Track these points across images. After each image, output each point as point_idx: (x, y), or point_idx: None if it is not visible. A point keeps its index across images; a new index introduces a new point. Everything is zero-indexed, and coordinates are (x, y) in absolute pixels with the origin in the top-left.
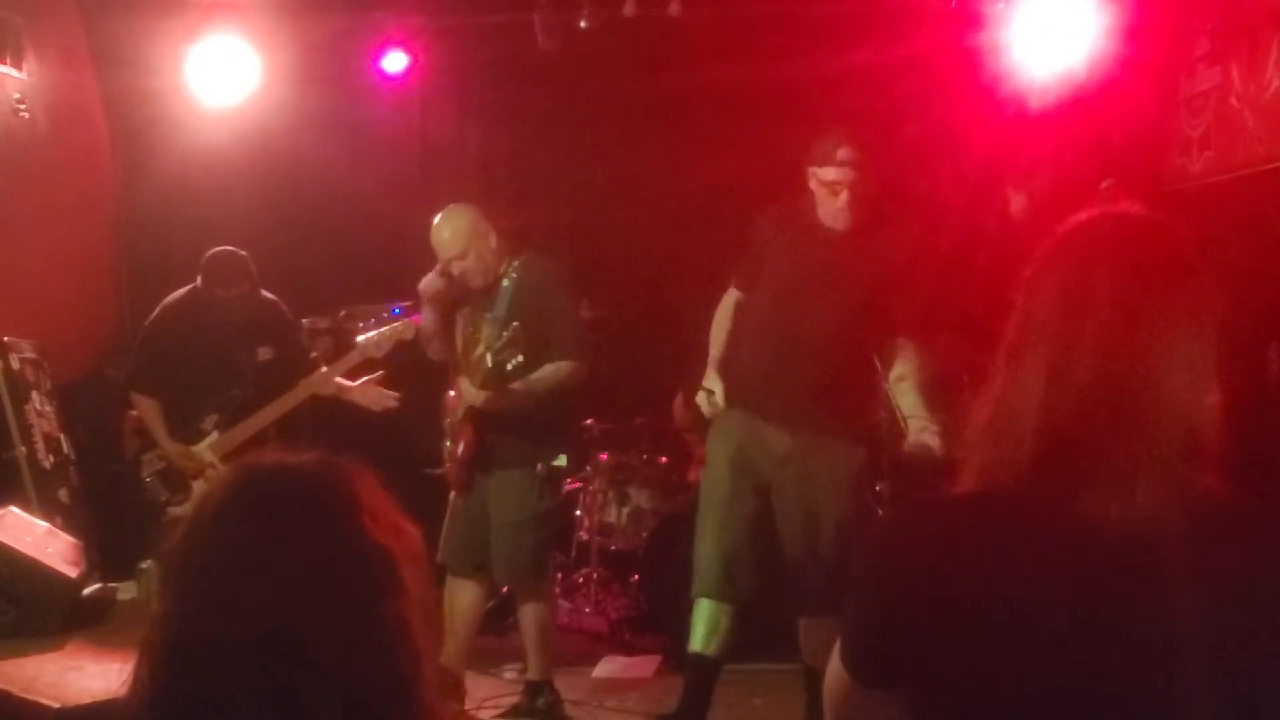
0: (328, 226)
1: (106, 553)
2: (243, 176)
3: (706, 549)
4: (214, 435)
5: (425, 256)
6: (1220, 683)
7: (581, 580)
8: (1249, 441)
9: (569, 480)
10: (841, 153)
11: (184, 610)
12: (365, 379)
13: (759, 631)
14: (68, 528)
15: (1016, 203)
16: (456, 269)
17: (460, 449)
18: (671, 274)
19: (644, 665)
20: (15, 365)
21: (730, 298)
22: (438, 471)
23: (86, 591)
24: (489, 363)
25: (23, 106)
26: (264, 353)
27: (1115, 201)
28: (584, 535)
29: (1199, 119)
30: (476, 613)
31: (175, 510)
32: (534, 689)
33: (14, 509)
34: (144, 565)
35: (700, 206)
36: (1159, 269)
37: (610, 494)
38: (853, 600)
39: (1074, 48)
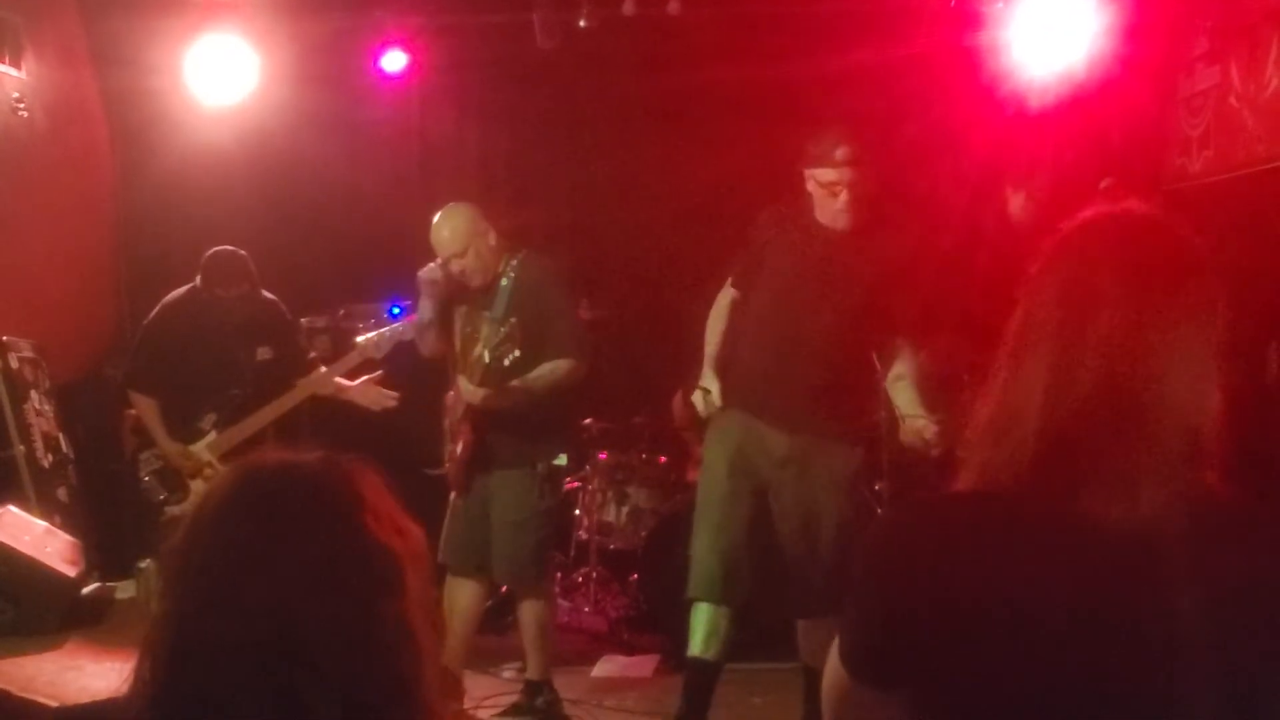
0: (327, 226)
1: (105, 552)
2: (242, 176)
3: (704, 550)
4: (212, 435)
5: (424, 256)
6: (1220, 683)
7: (581, 579)
8: (1249, 441)
9: (568, 479)
10: (840, 153)
11: (185, 610)
12: (364, 379)
13: (758, 631)
14: (66, 527)
15: (1016, 202)
16: (456, 267)
17: (459, 448)
18: (671, 274)
19: (643, 665)
20: (14, 364)
21: (726, 296)
22: (438, 472)
23: (85, 591)
24: (486, 359)
25: (22, 106)
26: (263, 352)
27: (1118, 200)
28: (583, 534)
29: (1198, 118)
30: (476, 612)
31: (173, 509)
32: (533, 688)
33: (12, 508)
34: (143, 564)
35: (700, 206)
36: (1161, 269)
37: (609, 493)
38: (852, 600)
39: (1073, 47)
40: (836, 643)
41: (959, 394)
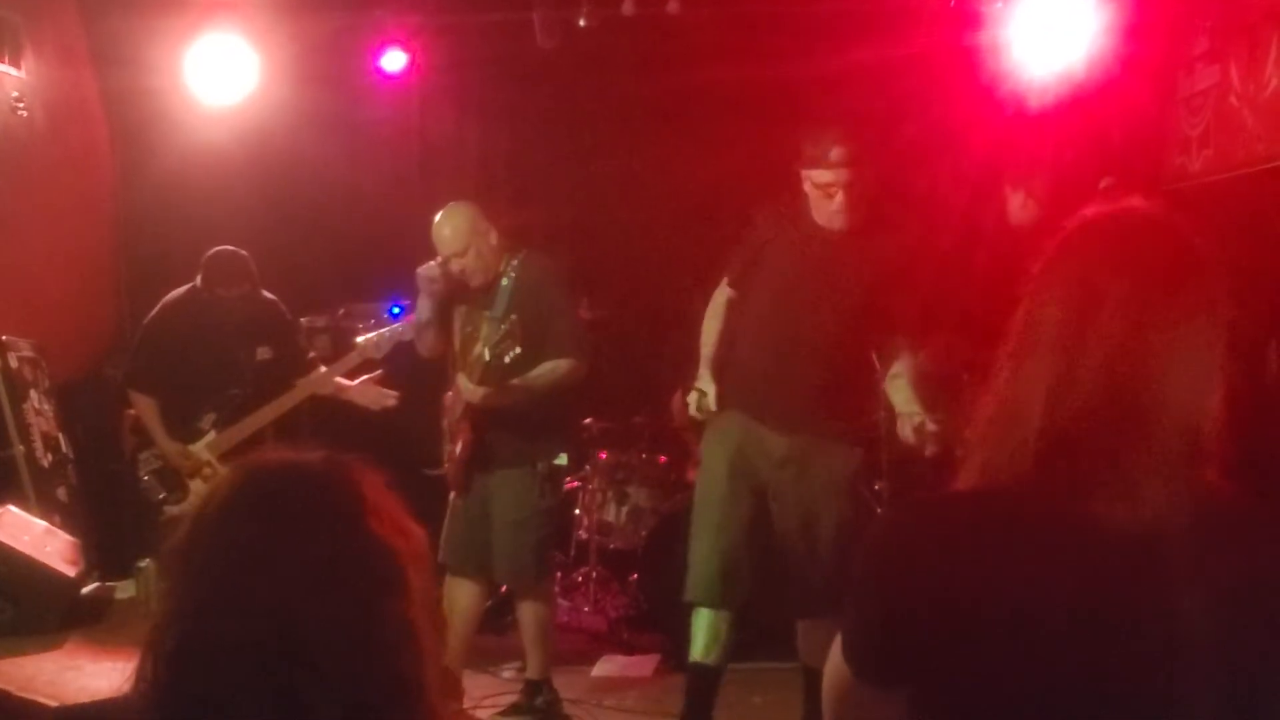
0: (326, 225)
1: (105, 551)
2: (242, 175)
3: (702, 552)
4: (212, 434)
5: (424, 255)
6: (1220, 683)
7: (580, 579)
8: (1249, 440)
9: (568, 479)
10: (835, 154)
11: (187, 610)
12: (364, 378)
13: (758, 631)
14: (66, 526)
15: (1015, 202)
16: (456, 266)
17: (459, 448)
18: (671, 274)
19: (643, 664)
20: (13, 364)
21: (722, 295)
22: (437, 472)
23: (85, 590)
24: (486, 357)
25: (21, 105)
26: (263, 352)
27: (1119, 199)
28: (583, 534)
29: (1198, 117)
30: (476, 612)
31: (172, 509)
32: (533, 688)
33: (12, 508)
34: (142, 564)
35: (700, 206)
36: (1163, 269)
37: (609, 493)
38: (853, 599)
39: (1073, 46)
40: (838, 641)
41: (958, 393)
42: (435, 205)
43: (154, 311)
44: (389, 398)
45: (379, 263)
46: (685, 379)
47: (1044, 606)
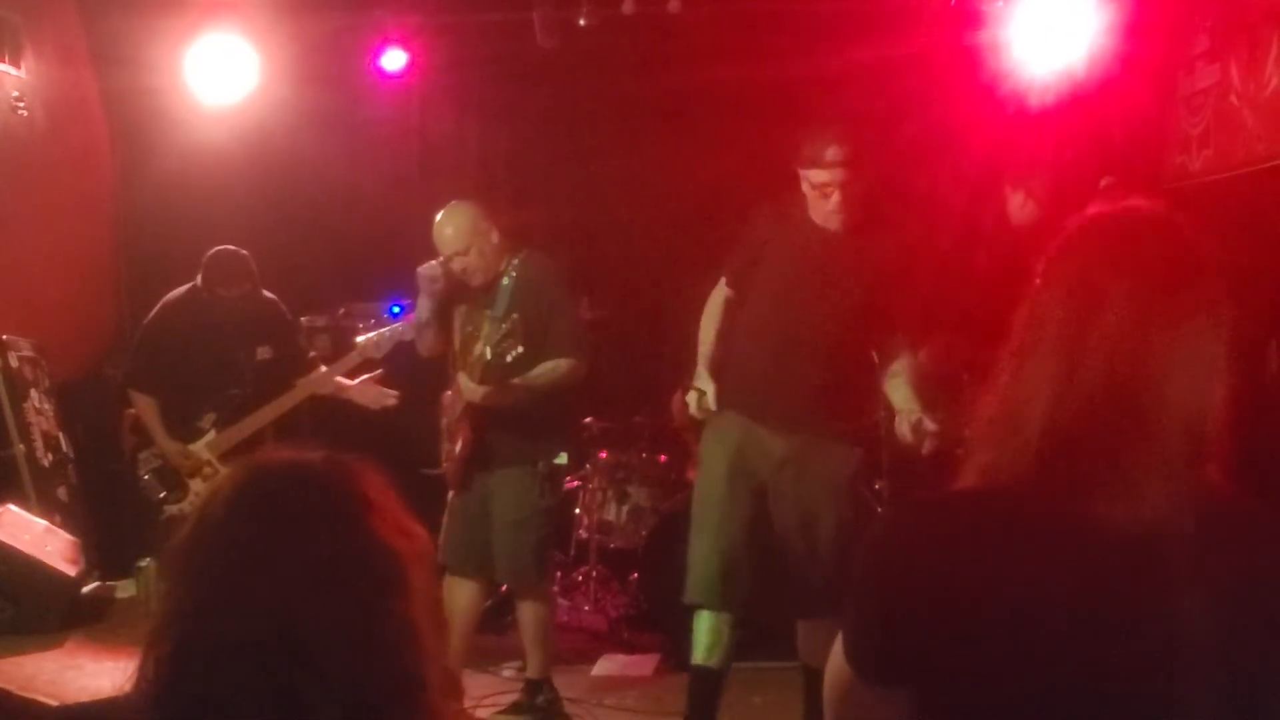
0: (327, 225)
1: (105, 551)
2: (242, 175)
3: (702, 554)
4: (212, 434)
5: (424, 255)
6: (1220, 683)
7: (581, 578)
8: (1248, 439)
9: (568, 478)
10: (831, 153)
11: (188, 609)
12: (364, 378)
13: (758, 631)
14: (66, 526)
15: (1015, 201)
16: (458, 265)
17: (459, 447)
18: (671, 273)
19: (643, 664)
20: (14, 363)
21: (720, 294)
22: (435, 471)
23: (85, 589)
24: (488, 356)
25: (21, 105)
26: (263, 352)
27: (1122, 198)
28: (583, 533)
29: (1198, 117)
30: (475, 611)
31: (171, 509)
32: (533, 687)
33: (12, 507)
34: (142, 563)
35: (700, 205)
36: (1165, 269)
37: (609, 492)
38: (853, 599)
39: (1073, 46)
40: (839, 641)
41: (958, 393)
42: (435, 205)
43: (154, 311)
44: (389, 397)
45: (379, 263)
46: (685, 379)
47: (1044, 606)
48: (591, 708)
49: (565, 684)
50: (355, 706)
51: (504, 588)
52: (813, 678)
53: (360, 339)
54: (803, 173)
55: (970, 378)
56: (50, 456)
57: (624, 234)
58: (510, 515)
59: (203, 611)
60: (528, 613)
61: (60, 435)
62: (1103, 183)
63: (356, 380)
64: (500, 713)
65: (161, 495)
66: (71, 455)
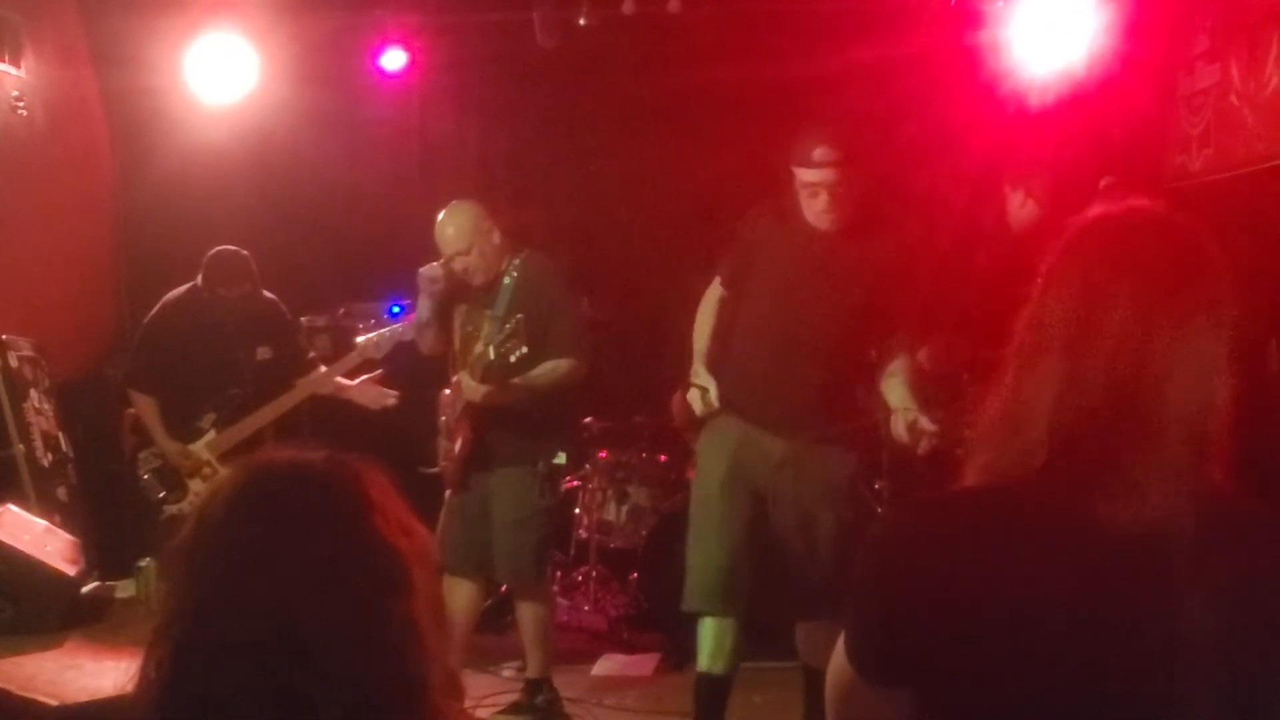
0: (326, 225)
1: (105, 551)
2: (241, 174)
3: (701, 561)
4: (212, 434)
5: (424, 255)
6: (1220, 683)
7: (580, 578)
8: (1249, 438)
9: (568, 478)
10: (819, 153)
11: (189, 609)
12: (364, 378)
13: (759, 630)
14: (66, 526)
15: (1015, 201)
16: (459, 265)
17: (458, 446)
18: (672, 274)
19: (643, 663)
20: (13, 363)
21: (714, 294)
22: (433, 470)
23: (85, 589)
24: (491, 355)
25: (21, 104)
26: (263, 352)
27: (1126, 198)
28: (583, 533)
29: (1199, 116)
30: (474, 611)
31: (171, 508)
32: (533, 687)
33: (12, 507)
34: (142, 563)
35: (700, 205)
36: (1170, 270)
37: (609, 492)
38: (855, 599)
39: (1073, 45)
40: (841, 640)
41: (958, 392)
42: (435, 205)
43: (154, 311)
44: (389, 397)
45: (379, 262)
46: (684, 379)
47: (1045, 606)
48: (591, 707)
49: (565, 684)
50: (357, 707)
51: (504, 588)
52: (813, 677)
53: (360, 339)
54: (794, 171)
55: (970, 377)
56: (50, 456)
57: (624, 234)
58: (510, 515)
59: (204, 612)
60: (527, 612)
61: (60, 435)
62: (1103, 183)
63: (356, 380)
64: (500, 712)
65: (161, 495)
66: (71, 455)
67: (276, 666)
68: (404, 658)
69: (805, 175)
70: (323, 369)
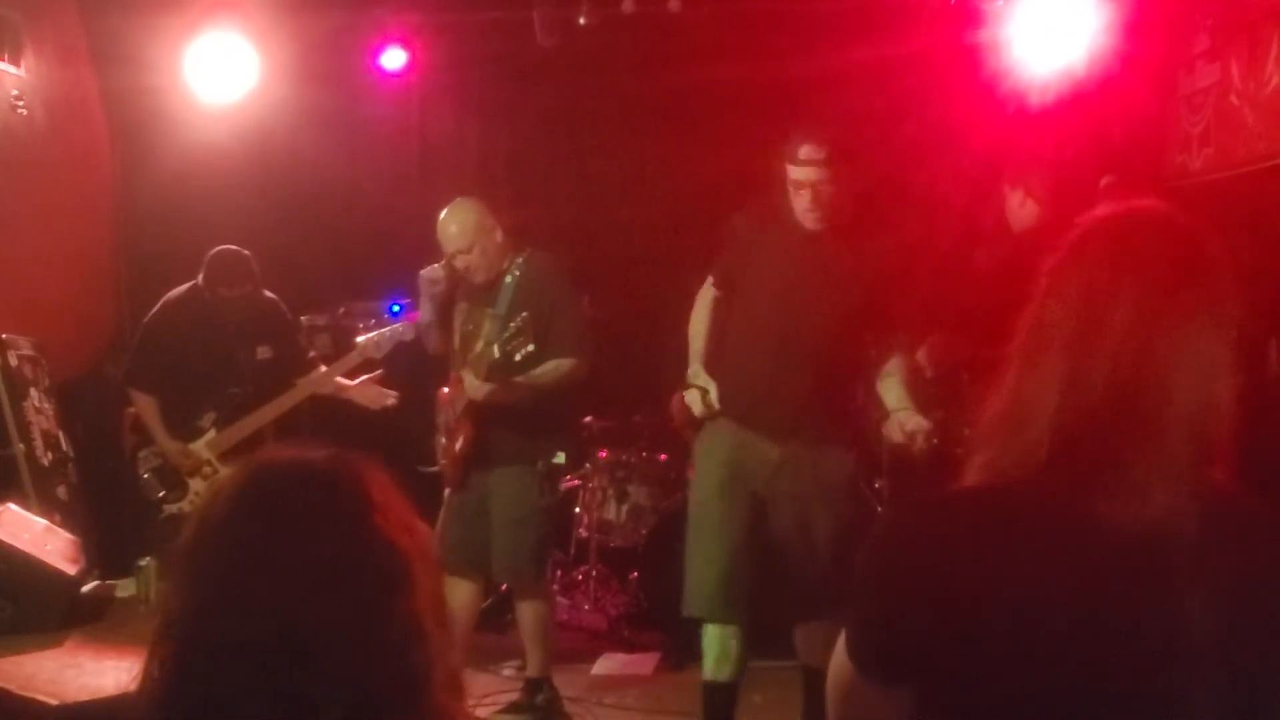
0: (326, 224)
1: (105, 550)
2: (241, 174)
3: (701, 570)
4: (212, 433)
5: (424, 254)
6: (1221, 683)
7: (580, 577)
8: (1249, 438)
9: (568, 477)
10: (804, 151)
11: (192, 609)
12: (364, 378)
13: (759, 629)
14: (66, 525)
15: (1014, 200)
16: (461, 263)
17: (459, 444)
18: (672, 273)
19: (643, 662)
20: (13, 362)
21: (708, 294)
22: (431, 469)
23: (85, 588)
24: (496, 354)
25: (21, 103)
26: (263, 352)
27: (1126, 197)
28: (583, 532)
29: (1199, 115)
30: (473, 610)
31: (171, 508)
32: (533, 686)
33: (12, 506)
34: (142, 562)
35: (701, 204)
36: (1174, 270)
37: (609, 491)
38: (856, 597)
39: (1073, 45)
40: (842, 638)
41: (957, 392)
42: (435, 204)
43: (155, 310)
44: (389, 397)
45: (379, 261)
46: (683, 379)
47: (1046, 605)
48: (591, 706)
49: (565, 683)
50: (360, 706)
51: (504, 587)
52: (812, 676)
53: (360, 339)
54: (785, 167)
55: (970, 377)
56: (50, 455)
57: (624, 234)
58: (509, 514)
59: (206, 612)
60: (527, 611)
61: (60, 434)
62: (1103, 182)
63: (356, 380)
64: (500, 711)
65: (161, 494)
66: (71, 454)
67: (279, 666)
68: (407, 656)
69: (792, 173)
70: (323, 369)
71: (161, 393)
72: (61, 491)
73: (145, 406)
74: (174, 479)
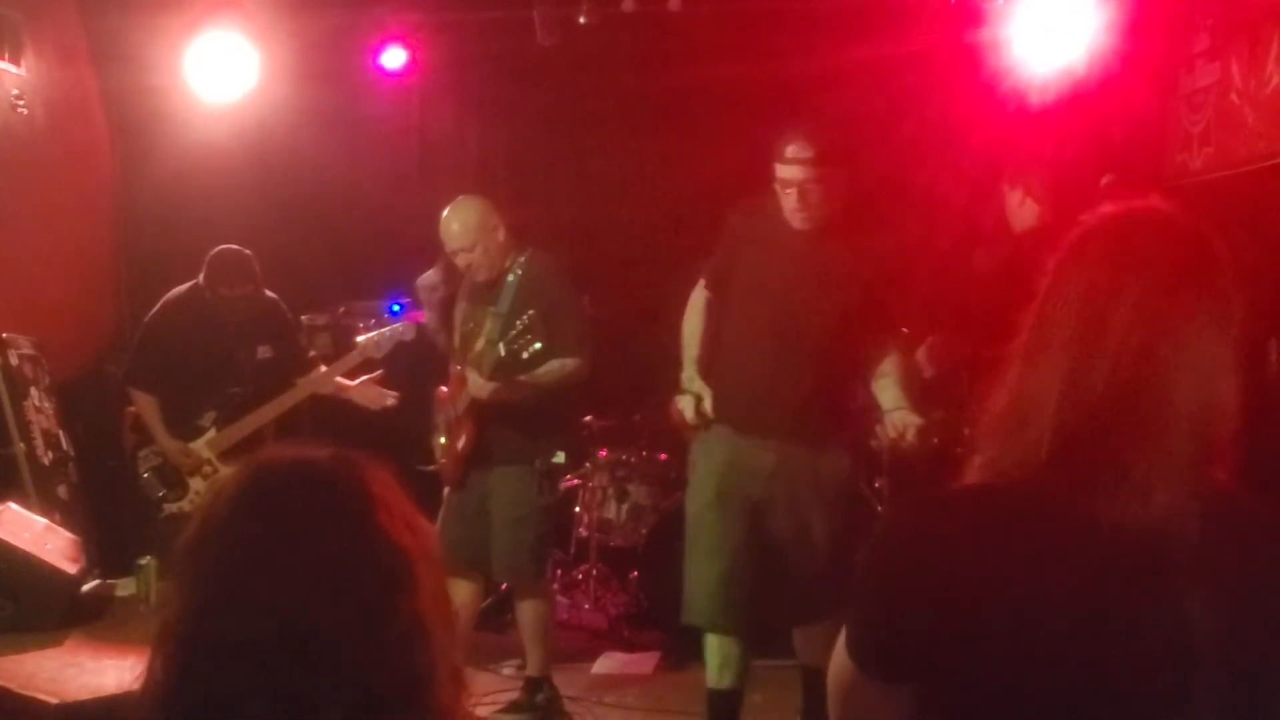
0: (326, 223)
1: (105, 549)
2: (242, 173)
3: (700, 579)
4: (212, 432)
5: (424, 253)
6: (1222, 682)
7: (581, 577)
8: (1249, 438)
9: (568, 477)
10: (791, 150)
11: (194, 609)
12: (364, 378)
13: (758, 629)
14: (66, 524)
15: (1014, 199)
16: (463, 261)
17: (461, 443)
18: (672, 272)
19: (643, 662)
20: (14, 361)
21: (700, 295)
22: (430, 468)
23: (85, 588)
24: (501, 352)
25: (21, 103)
26: (263, 351)
27: (1127, 196)
28: (583, 532)
29: (1199, 115)
30: (472, 610)
31: (171, 507)
32: (533, 685)
33: (12, 505)
34: (142, 561)
35: (701, 204)
36: (1179, 270)
37: (609, 490)
38: (857, 596)
39: (1074, 44)
40: (843, 637)
41: (957, 391)
42: (435, 203)
43: (156, 309)
44: (389, 397)
45: (379, 261)
46: (679, 383)
47: (1047, 604)
48: (591, 706)
49: (565, 682)
50: (363, 706)
51: (503, 586)
52: (811, 676)
53: (360, 339)
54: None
55: (970, 376)
56: (50, 454)
57: (624, 233)
58: (509, 513)
59: (208, 611)
60: (527, 611)
61: (60, 433)
62: (1103, 181)
63: (356, 380)
64: (500, 711)
65: (161, 493)
66: (72, 453)
67: (281, 665)
68: (409, 656)
69: (778, 171)
70: (323, 368)
71: (162, 392)
72: (62, 491)
73: (145, 406)
74: (174, 478)
